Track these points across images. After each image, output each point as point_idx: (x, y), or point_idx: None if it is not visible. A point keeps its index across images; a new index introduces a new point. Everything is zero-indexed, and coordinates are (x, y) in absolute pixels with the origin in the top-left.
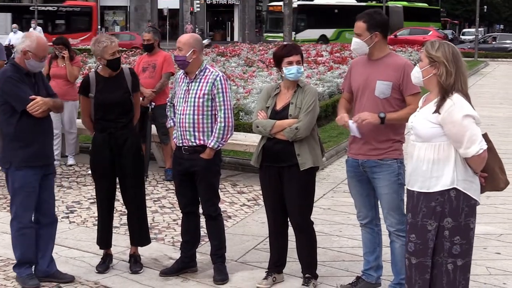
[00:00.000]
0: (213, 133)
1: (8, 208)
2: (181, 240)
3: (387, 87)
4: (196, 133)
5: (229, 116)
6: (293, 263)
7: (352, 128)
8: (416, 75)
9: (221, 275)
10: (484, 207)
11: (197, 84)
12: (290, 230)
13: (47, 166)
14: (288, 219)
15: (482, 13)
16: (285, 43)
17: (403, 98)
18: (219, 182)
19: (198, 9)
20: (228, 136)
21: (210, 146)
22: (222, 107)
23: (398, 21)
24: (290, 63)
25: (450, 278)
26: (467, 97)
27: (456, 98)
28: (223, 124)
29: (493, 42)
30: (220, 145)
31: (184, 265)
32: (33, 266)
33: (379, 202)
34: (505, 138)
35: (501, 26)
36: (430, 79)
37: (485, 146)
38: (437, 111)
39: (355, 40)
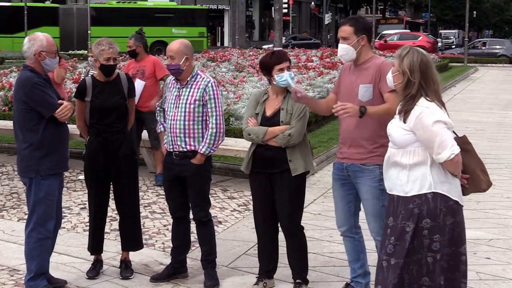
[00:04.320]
0: (204, 139)
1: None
2: (171, 245)
3: (368, 89)
4: (187, 139)
5: (221, 122)
6: (284, 268)
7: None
8: (390, 79)
9: (211, 280)
10: (474, 212)
11: (188, 89)
12: (281, 236)
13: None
14: (279, 225)
15: (472, 19)
16: (275, 49)
17: None
18: (210, 188)
19: None
20: (219, 142)
21: (201, 151)
22: (214, 113)
23: (79, 26)
24: (282, 70)
25: (429, 269)
26: (441, 104)
27: (426, 104)
28: (214, 130)
29: (483, 48)
30: (211, 151)
31: (175, 271)
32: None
33: (362, 209)
34: (494, 143)
35: (490, 32)
36: (398, 85)
37: (456, 151)
38: (404, 119)
39: (342, 46)
